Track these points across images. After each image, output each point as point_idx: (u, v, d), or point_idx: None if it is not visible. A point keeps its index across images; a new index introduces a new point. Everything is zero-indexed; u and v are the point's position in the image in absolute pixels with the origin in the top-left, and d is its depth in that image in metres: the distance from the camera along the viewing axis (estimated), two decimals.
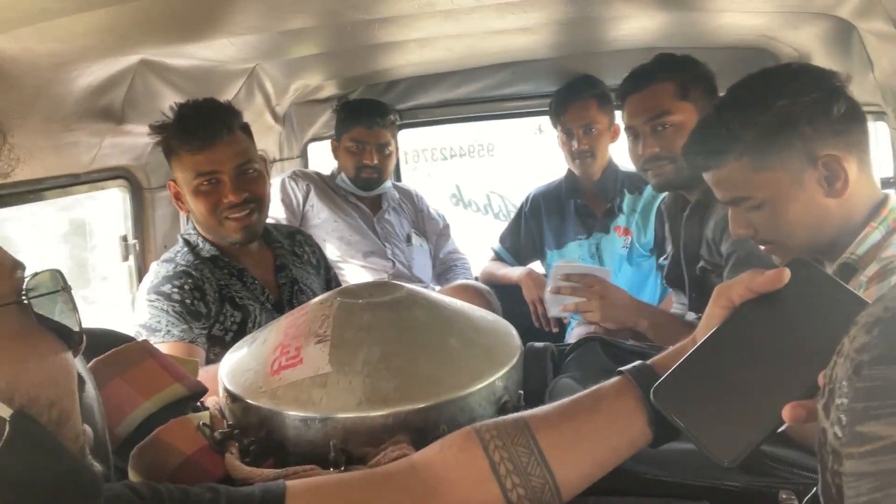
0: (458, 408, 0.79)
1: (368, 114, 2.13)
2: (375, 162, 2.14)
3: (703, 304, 1.52)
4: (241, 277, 1.47)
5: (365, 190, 2.19)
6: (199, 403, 0.88)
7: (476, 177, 3.14)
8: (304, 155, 2.51)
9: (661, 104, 1.46)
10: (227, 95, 1.74)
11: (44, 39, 1.02)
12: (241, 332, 1.40)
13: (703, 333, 0.62)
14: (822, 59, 1.63)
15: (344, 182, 2.20)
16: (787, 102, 0.96)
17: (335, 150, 2.23)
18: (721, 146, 1.02)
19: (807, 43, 1.69)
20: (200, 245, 1.45)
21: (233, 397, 0.84)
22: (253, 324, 1.43)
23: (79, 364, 0.68)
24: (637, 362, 0.66)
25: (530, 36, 1.85)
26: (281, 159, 2.37)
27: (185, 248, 1.45)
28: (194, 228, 1.48)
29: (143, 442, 0.75)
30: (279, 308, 1.50)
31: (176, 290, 1.36)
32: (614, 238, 2.10)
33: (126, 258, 1.66)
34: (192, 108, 1.38)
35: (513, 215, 2.35)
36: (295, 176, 2.20)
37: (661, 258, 1.76)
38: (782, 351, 0.57)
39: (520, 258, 2.24)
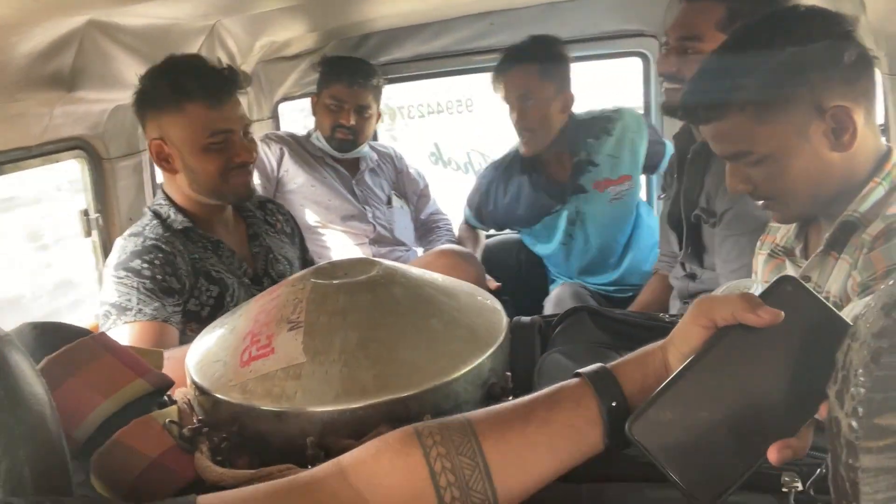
0: (442, 395, 0.74)
1: (351, 72, 2.03)
2: (352, 123, 2.05)
3: (694, 258, 1.48)
4: (217, 250, 1.40)
5: (339, 151, 2.11)
6: (165, 397, 0.82)
7: (455, 134, 3.04)
8: (275, 116, 2.40)
9: (699, 25, 1.34)
10: None
11: None
12: (218, 307, 1.35)
13: (678, 349, 0.57)
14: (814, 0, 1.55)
15: (318, 140, 2.11)
16: (795, 48, 0.89)
17: (313, 106, 2.13)
18: (722, 96, 0.95)
19: None
20: (172, 217, 1.37)
21: (201, 391, 0.78)
22: (231, 298, 1.37)
23: (27, 367, 0.62)
24: (597, 365, 0.60)
25: None
26: (251, 121, 2.26)
27: (155, 221, 1.37)
28: (166, 199, 1.39)
29: (102, 447, 0.70)
30: (257, 281, 1.44)
31: (146, 265, 1.28)
32: (596, 195, 1.97)
33: (88, 234, 1.57)
34: (197, 62, 1.32)
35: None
36: (268, 139, 2.11)
37: (662, 194, 1.65)
38: (770, 384, 0.52)
39: (492, 227, 2.18)
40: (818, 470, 0.64)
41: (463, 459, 0.55)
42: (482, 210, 2.13)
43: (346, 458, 0.59)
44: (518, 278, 2.17)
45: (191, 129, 1.30)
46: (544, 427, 0.57)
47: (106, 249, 1.55)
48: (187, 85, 1.28)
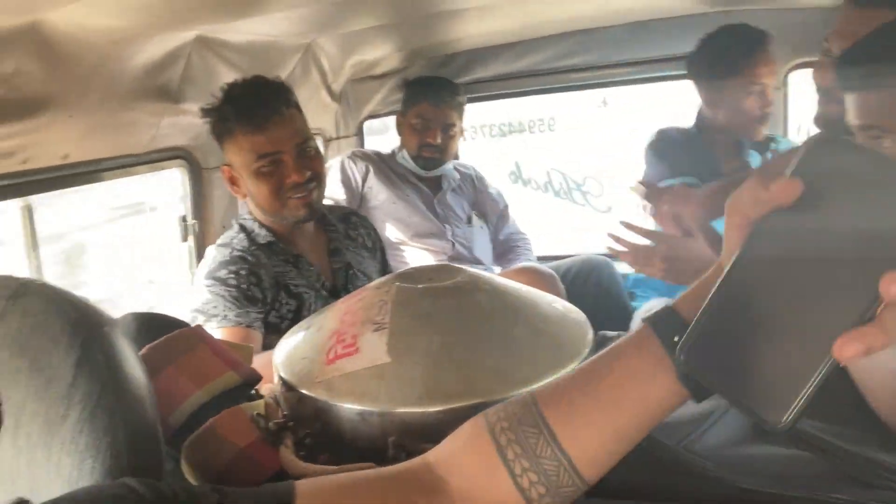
0: None
1: (437, 90, 2.06)
2: (439, 141, 2.08)
3: None
4: (297, 264, 1.44)
5: (425, 169, 2.14)
6: (253, 391, 0.85)
7: (536, 153, 3.02)
8: (360, 133, 2.47)
9: None
10: (282, 72, 1.71)
11: (97, 15, 1.00)
12: (296, 320, 1.38)
13: (727, 259, 0.48)
14: None
15: (404, 160, 2.15)
16: None
17: (399, 126, 2.17)
18: (888, 64, 0.88)
19: None
20: (256, 231, 1.43)
21: (288, 387, 0.80)
22: (308, 311, 1.40)
23: (130, 353, 0.65)
24: (661, 306, 0.52)
25: (597, 1, 1.74)
26: (337, 137, 2.34)
27: (242, 234, 1.43)
28: (250, 214, 1.45)
29: (194, 434, 0.72)
30: (334, 294, 1.47)
31: (232, 275, 1.34)
32: None
33: (185, 239, 1.66)
34: (245, 87, 1.33)
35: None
36: (354, 156, 2.16)
37: None
38: (821, 268, 0.42)
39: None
40: None
41: (526, 429, 0.53)
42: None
43: (430, 452, 0.59)
44: (595, 303, 2.12)
45: (241, 156, 1.34)
46: (606, 379, 0.52)
47: (200, 254, 1.63)
48: (230, 115, 1.32)
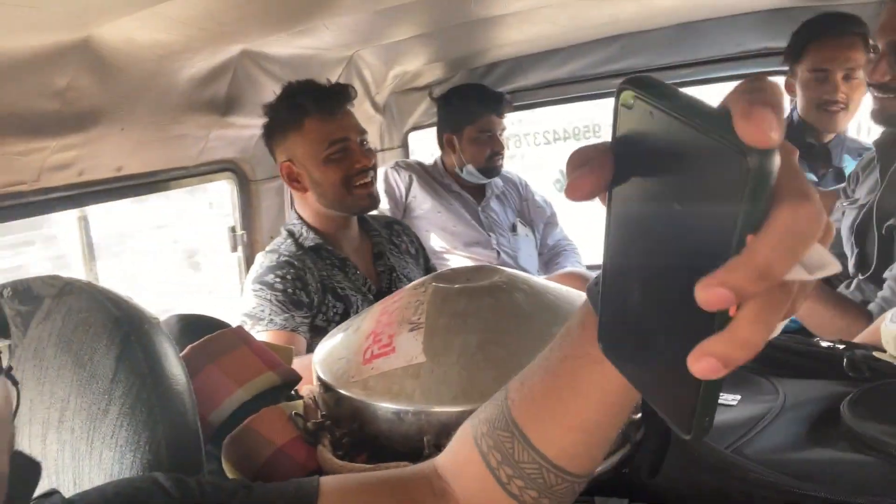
0: None
1: (495, 102, 2.08)
2: (506, 148, 2.12)
3: (871, 280, 1.26)
4: (343, 268, 1.46)
5: (491, 176, 2.15)
6: (293, 392, 0.85)
7: None
8: (404, 145, 2.49)
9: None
10: None
11: (146, 29, 1.03)
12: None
13: None
14: None
15: (471, 174, 2.14)
16: None
17: (451, 142, 2.13)
18: None
19: None
20: (304, 234, 1.45)
21: (325, 387, 0.80)
22: (354, 314, 1.41)
23: (170, 350, 0.67)
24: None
25: (641, 2, 1.71)
26: (382, 149, 2.36)
27: (289, 240, 1.45)
28: (298, 218, 1.48)
29: (234, 432, 0.73)
30: (379, 297, 1.47)
31: (279, 279, 1.36)
32: None
33: (235, 249, 1.70)
34: (309, 83, 1.41)
35: None
36: (398, 167, 2.18)
37: (847, 202, 1.41)
38: (667, 251, 0.31)
39: None
40: None
41: (501, 434, 0.50)
42: None
43: (437, 456, 0.59)
44: None
45: (311, 144, 1.40)
46: (561, 366, 0.47)
47: (249, 263, 1.66)
48: (302, 103, 1.38)
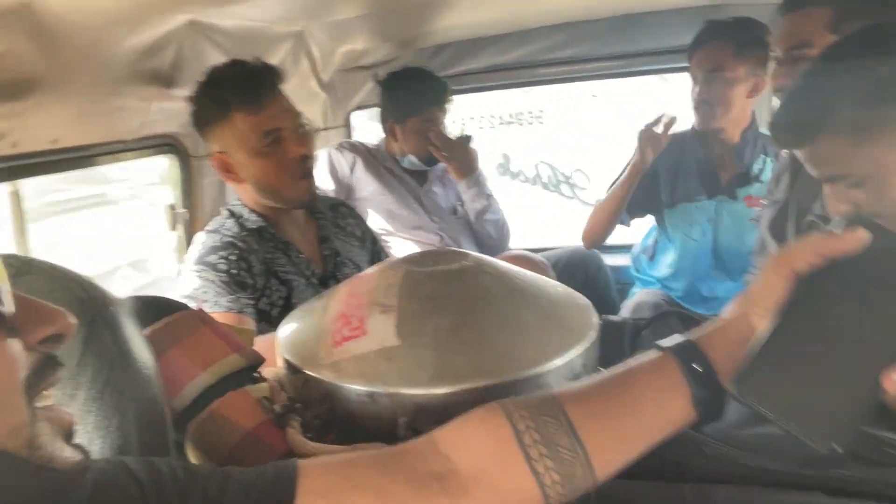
0: (534, 385, 0.73)
1: (441, 94, 2.05)
2: None
3: None
4: (287, 251, 1.42)
5: (431, 165, 2.14)
6: (256, 374, 0.84)
7: (525, 146, 3.02)
8: (347, 124, 2.45)
9: (809, 32, 1.30)
10: (274, 59, 1.68)
11: None
12: (286, 308, 1.36)
13: (760, 304, 0.56)
14: None
15: (412, 163, 2.12)
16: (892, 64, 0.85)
17: (393, 131, 2.11)
18: (814, 119, 0.91)
19: None
20: (246, 216, 1.41)
21: (293, 369, 0.79)
22: (297, 299, 1.38)
23: (136, 333, 0.64)
24: (677, 336, 0.60)
25: None
26: (325, 128, 2.32)
27: (231, 220, 1.40)
28: (239, 200, 1.43)
29: (200, 416, 0.71)
30: (324, 282, 1.45)
31: (222, 260, 1.32)
32: (741, 207, 1.86)
33: (174, 227, 1.63)
34: (235, 68, 1.31)
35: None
36: (341, 147, 2.15)
37: (764, 201, 1.54)
38: (865, 317, 0.52)
39: (630, 211, 2.00)
40: None
41: (546, 419, 0.55)
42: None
43: (437, 431, 0.60)
44: (583, 294, 2.11)
45: (241, 137, 1.31)
46: (626, 389, 0.57)
47: (189, 242, 1.60)
48: (227, 96, 1.28)
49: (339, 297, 0.86)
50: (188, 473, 0.52)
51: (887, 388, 0.48)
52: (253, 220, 1.40)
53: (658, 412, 0.56)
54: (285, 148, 1.32)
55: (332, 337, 0.79)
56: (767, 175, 1.83)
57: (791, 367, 0.52)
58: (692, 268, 1.95)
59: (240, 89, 1.28)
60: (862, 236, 0.53)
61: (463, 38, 2.19)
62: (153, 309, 0.82)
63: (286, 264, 1.41)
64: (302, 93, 2.04)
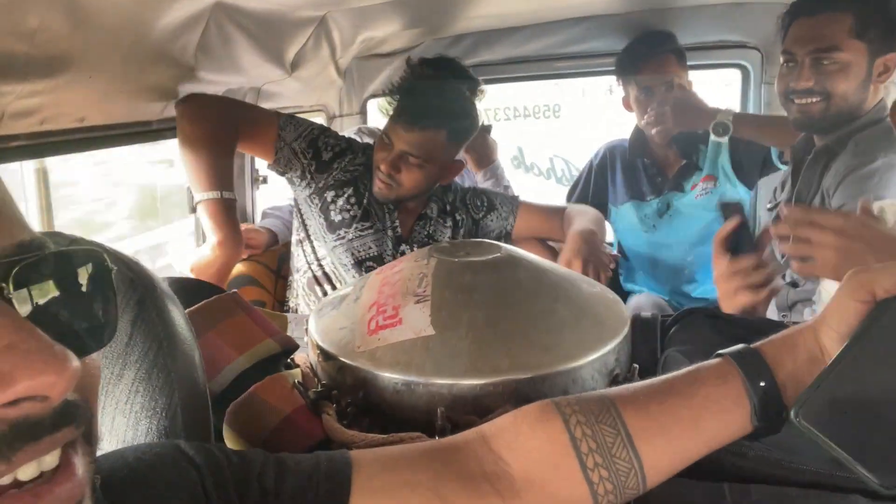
0: (570, 379, 0.73)
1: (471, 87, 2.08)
2: None
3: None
4: (387, 204, 1.57)
5: None
6: (289, 361, 0.84)
7: (540, 139, 3.00)
8: (363, 111, 2.44)
9: (833, 36, 1.31)
10: (296, 44, 1.68)
11: None
12: (345, 223, 1.54)
13: (833, 324, 0.54)
14: None
15: None
16: None
17: None
18: None
19: None
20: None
21: (327, 356, 0.79)
22: (364, 235, 1.55)
23: (181, 314, 0.64)
24: (741, 346, 0.57)
25: None
26: (341, 115, 2.31)
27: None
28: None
29: (239, 399, 0.71)
30: (396, 243, 1.58)
31: (329, 143, 1.54)
32: (690, 197, 1.97)
33: (194, 210, 1.63)
34: (421, 88, 1.51)
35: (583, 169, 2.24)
36: (361, 132, 2.15)
37: (770, 204, 1.60)
38: None
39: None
40: None
41: (604, 427, 0.54)
42: (585, 187, 2.18)
43: (486, 426, 0.59)
44: None
45: (385, 127, 1.53)
46: (687, 400, 0.55)
47: None
48: (397, 102, 1.52)
49: (372, 286, 0.86)
50: (243, 460, 0.52)
51: None
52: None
53: (717, 426, 0.55)
54: (382, 157, 1.49)
55: (367, 325, 0.79)
56: (704, 161, 1.96)
57: (857, 399, 0.49)
58: (666, 266, 2.02)
59: (404, 106, 1.49)
60: None
61: (482, 28, 2.18)
62: (189, 291, 0.82)
63: (375, 204, 1.56)
64: (321, 78, 2.03)
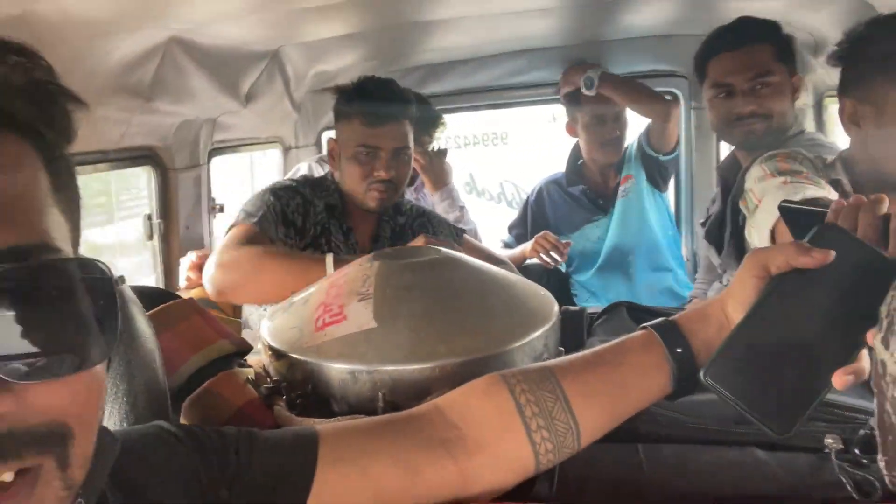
0: (501, 362, 0.80)
1: (434, 121, 2.20)
2: None
3: (734, 261, 1.54)
4: (347, 235, 1.56)
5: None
6: (241, 361, 0.89)
7: (490, 165, 3.15)
8: (318, 143, 2.52)
9: (764, 63, 1.47)
10: (250, 77, 1.76)
11: (82, 3, 1.03)
12: None
13: (736, 298, 0.62)
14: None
15: None
16: None
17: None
18: None
19: (825, 25, 1.71)
20: (328, 185, 1.57)
21: (277, 354, 0.85)
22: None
23: (138, 308, 0.70)
24: (661, 319, 0.66)
25: (547, 20, 1.87)
26: (296, 147, 2.39)
27: (315, 181, 1.60)
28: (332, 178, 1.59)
29: (194, 393, 0.76)
30: None
31: (284, 197, 1.48)
32: (621, 202, 2.21)
33: (150, 237, 1.67)
34: (378, 86, 1.51)
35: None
36: (321, 161, 2.23)
37: (703, 220, 1.75)
38: (825, 320, 0.58)
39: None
40: (861, 432, 0.69)
41: (545, 394, 0.62)
42: (524, 222, 2.37)
43: (439, 399, 0.66)
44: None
45: (348, 138, 1.52)
46: (616, 367, 0.64)
47: (164, 253, 1.64)
48: (357, 104, 1.50)
49: (320, 290, 0.92)
50: (220, 435, 0.57)
51: (837, 387, 0.55)
52: (331, 192, 1.55)
53: (642, 387, 0.63)
54: (375, 165, 1.48)
55: (315, 323, 0.85)
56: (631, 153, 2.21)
57: (755, 359, 0.58)
58: (606, 266, 2.18)
59: (366, 105, 1.48)
60: (827, 256, 0.58)
61: (430, 61, 2.30)
62: (147, 297, 0.87)
63: (340, 243, 1.54)
64: (276, 111, 2.11)
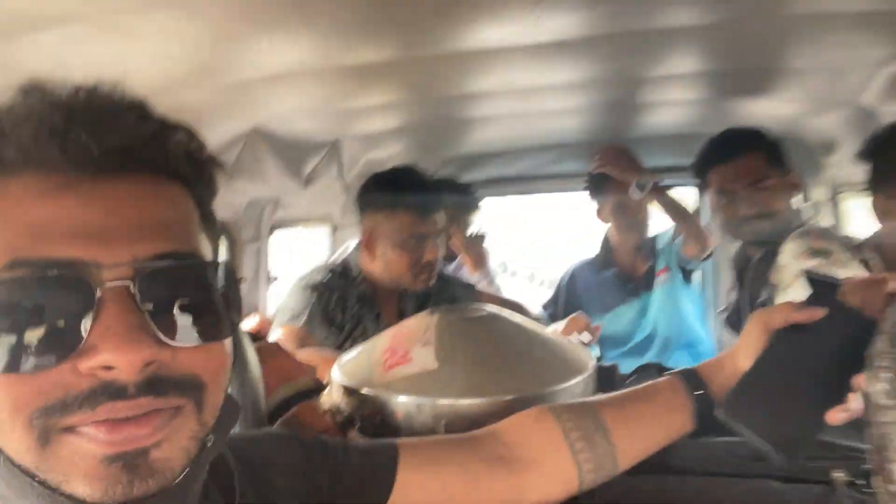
0: (545, 402, 0.92)
1: (473, 205, 2.47)
2: None
3: None
4: (377, 322, 1.66)
5: (450, 260, 2.48)
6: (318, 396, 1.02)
7: (522, 249, 3.32)
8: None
9: (760, 170, 1.64)
10: (311, 163, 1.97)
11: (194, 96, 1.25)
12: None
13: (745, 350, 0.76)
14: (848, 143, 1.81)
15: None
16: None
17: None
18: None
19: (832, 129, 1.88)
20: (355, 274, 1.67)
21: (349, 391, 0.98)
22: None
23: (251, 346, 0.85)
24: (683, 367, 0.81)
25: (577, 118, 2.08)
26: (343, 226, 2.58)
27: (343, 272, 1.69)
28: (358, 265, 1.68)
29: (284, 417, 0.90)
30: None
31: (331, 301, 1.60)
32: (658, 291, 2.29)
33: None
34: (415, 177, 1.64)
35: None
36: None
37: (722, 308, 1.89)
38: (819, 366, 0.71)
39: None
40: (863, 466, 0.79)
41: (586, 422, 0.75)
42: (556, 302, 2.48)
43: (496, 425, 0.79)
44: None
45: (394, 228, 1.61)
46: (647, 404, 0.78)
47: None
48: (400, 195, 1.60)
49: (385, 338, 1.07)
50: (321, 440, 0.70)
51: (831, 423, 0.68)
52: (360, 281, 1.65)
53: (669, 422, 0.77)
54: (424, 249, 1.60)
55: (383, 365, 0.99)
56: (660, 260, 2.32)
57: (763, 399, 0.71)
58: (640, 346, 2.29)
59: (415, 196, 1.60)
60: (816, 313, 0.72)
61: (469, 153, 2.52)
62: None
63: (372, 330, 1.62)
64: (329, 192, 2.31)
